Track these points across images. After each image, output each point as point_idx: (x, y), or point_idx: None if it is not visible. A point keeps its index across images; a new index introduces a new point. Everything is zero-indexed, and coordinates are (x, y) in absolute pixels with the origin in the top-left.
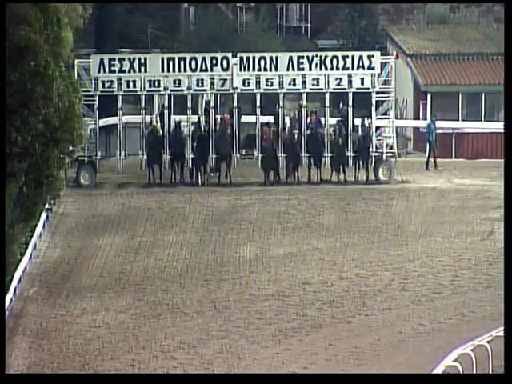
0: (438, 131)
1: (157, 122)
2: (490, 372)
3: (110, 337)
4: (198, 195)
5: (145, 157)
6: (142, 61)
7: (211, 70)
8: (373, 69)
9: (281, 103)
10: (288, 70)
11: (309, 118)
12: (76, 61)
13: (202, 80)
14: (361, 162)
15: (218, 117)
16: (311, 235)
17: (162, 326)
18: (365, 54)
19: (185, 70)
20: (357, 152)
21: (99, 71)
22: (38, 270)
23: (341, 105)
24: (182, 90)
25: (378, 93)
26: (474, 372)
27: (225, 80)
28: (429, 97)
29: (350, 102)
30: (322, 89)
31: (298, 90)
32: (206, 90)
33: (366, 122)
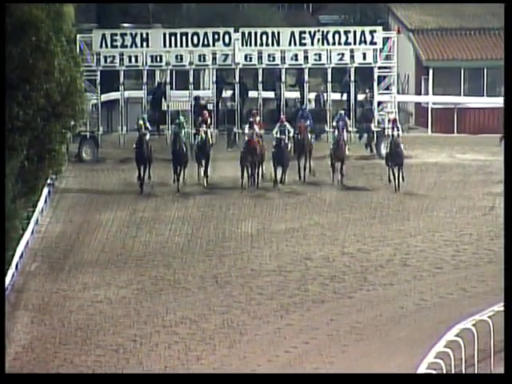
0: (440, 106)
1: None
2: (492, 347)
3: (112, 312)
4: (195, 170)
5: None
6: (144, 36)
7: (213, 45)
8: (375, 44)
9: (283, 78)
10: (290, 45)
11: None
12: (78, 36)
13: (204, 55)
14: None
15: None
16: (313, 210)
17: (163, 301)
18: (367, 29)
19: (187, 45)
20: (358, 127)
21: (101, 46)
22: (40, 245)
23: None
24: (184, 66)
25: (379, 68)
26: (475, 346)
27: (227, 55)
28: (430, 72)
29: (353, 77)
30: (323, 64)
31: (300, 65)
32: (207, 66)
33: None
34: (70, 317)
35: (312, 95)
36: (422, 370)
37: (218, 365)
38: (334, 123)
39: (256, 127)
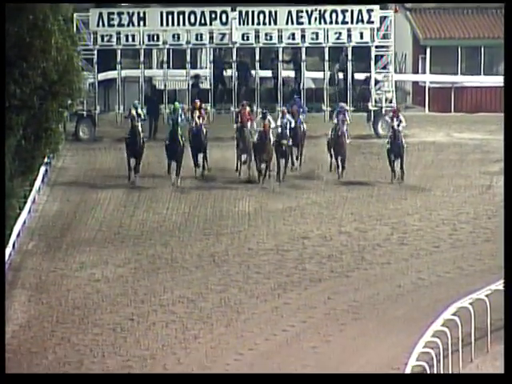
0: (437, 85)
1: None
2: (489, 325)
3: (109, 291)
4: None
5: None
6: (141, 15)
7: (210, 24)
8: (372, 23)
9: (280, 57)
10: (287, 24)
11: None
12: (75, 14)
13: (201, 34)
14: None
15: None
16: (310, 189)
17: (160, 280)
18: (364, 7)
19: (184, 24)
20: (356, 106)
21: (98, 25)
22: (37, 223)
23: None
24: (181, 45)
25: (377, 47)
26: (473, 325)
27: (224, 34)
28: (428, 51)
29: (350, 56)
30: (321, 43)
31: (297, 44)
32: (204, 45)
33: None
34: (68, 295)
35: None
36: (419, 348)
37: (215, 343)
38: (334, 116)
39: (244, 118)
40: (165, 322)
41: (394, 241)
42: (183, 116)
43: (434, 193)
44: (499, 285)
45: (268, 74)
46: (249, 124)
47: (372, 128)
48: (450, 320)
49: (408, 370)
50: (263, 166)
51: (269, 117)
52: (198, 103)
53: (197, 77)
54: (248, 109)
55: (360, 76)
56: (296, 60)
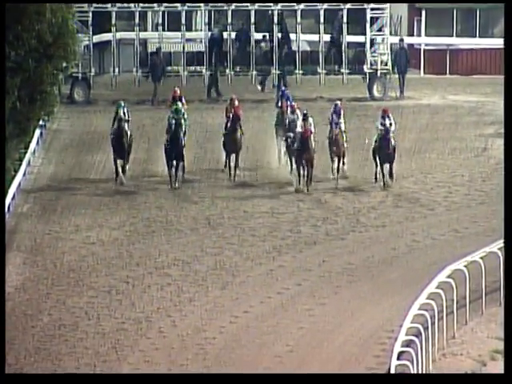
0: (432, 47)
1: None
2: (483, 288)
3: (104, 253)
4: (192, 112)
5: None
6: None
7: None
8: None
9: (275, 20)
10: None
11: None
12: None
13: None
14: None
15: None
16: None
17: (156, 243)
18: None
19: None
20: (351, 69)
21: None
22: (32, 186)
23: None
24: (176, 7)
25: (372, 9)
26: (467, 287)
27: None
28: (423, 13)
29: (345, 19)
30: (316, 5)
31: (293, 6)
32: (199, 7)
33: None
34: (63, 258)
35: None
36: (414, 311)
37: (210, 306)
38: (329, 116)
39: (234, 114)
40: (160, 285)
41: (389, 203)
42: (186, 115)
43: (429, 156)
44: (494, 247)
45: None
46: (238, 119)
47: (367, 90)
48: (444, 282)
49: (403, 333)
50: (305, 172)
51: (310, 119)
52: (178, 92)
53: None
54: (237, 103)
55: (355, 38)
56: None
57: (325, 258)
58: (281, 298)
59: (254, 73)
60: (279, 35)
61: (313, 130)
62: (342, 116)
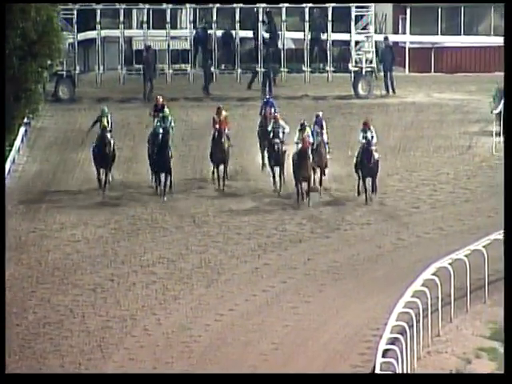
0: (417, 46)
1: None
2: (468, 285)
3: (89, 251)
4: (177, 110)
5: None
6: None
7: None
8: None
9: (260, 18)
10: None
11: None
12: None
13: None
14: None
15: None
16: (290, 151)
17: (141, 241)
18: None
19: None
20: (336, 67)
21: None
22: (17, 184)
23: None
24: (161, 5)
25: (357, 7)
26: (452, 285)
27: None
28: (408, 11)
29: (330, 17)
30: (301, 3)
31: (277, 5)
32: (185, 5)
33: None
34: (47, 256)
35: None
36: (399, 308)
37: (195, 304)
38: (311, 128)
39: (221, 124)
40: (145, 283)
41: (374, 201)
42: (173, 123)
43: (414, 153)
44: (478, 245)
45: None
46: (226, 130)
47: (352, 88)
48: (429, 280)
49: (388, 331)
50: (304, 185)
51: (308, 129)
52: (161, 100)
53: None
54: (224, 113)
55: (340, 36)
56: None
57: (310, 256)
58: (266, 295)
59: (239, 71)
60: (266, 34)
61: (311, 140)
62: (324, 127)
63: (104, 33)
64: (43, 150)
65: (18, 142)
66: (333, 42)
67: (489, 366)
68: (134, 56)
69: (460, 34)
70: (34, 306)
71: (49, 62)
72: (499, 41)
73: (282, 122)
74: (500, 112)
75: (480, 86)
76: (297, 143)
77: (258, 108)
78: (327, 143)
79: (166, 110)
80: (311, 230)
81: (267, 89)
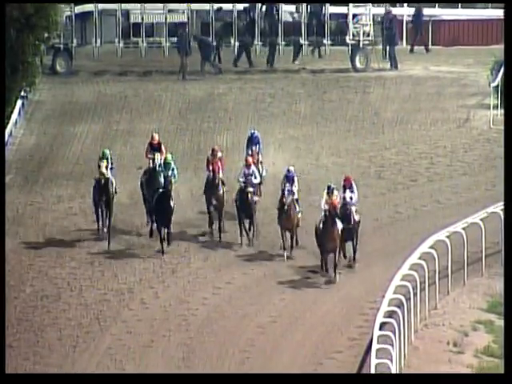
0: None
1: None
2: (465, 258)
3: (87, 224)
4: (174, 84)
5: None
6: None
7: None
8: None
9: None
10: None
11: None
12: None
13: None
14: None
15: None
16: (287, 124)
17: (139, 213)
18: None
19: None
20: (333, 40)
21: None
22: (14, 156)
23: None
24: None
25: None
26: (449, 258)
27: None
28: None
29: None
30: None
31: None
32: None
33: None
34: (45, 229)
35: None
36: (396, 281)
37: (192, 277)
38: (282, 184)
39: (216, 167)
40: (143, 257)
41: (372, 175)
42: (175, 171)
43: (412, 126)
44: (476, 218)
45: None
46: (220, 173)
47: (350, 62)
48: (426, 253)
49: (385, 304)
50: (330, 256)
51: (336, 192)
52: (157, 138)
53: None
54: (219, 154)
55: (338, 9)
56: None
57: (308, 229)
58: (263, 269)
59: (237, 44)
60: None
61: (338, 200)
62: (296, 182)
63: (101, 6)
64: (40, 123)
65: (15, 115)
66: (330, 15)
67: (485, 338)
68: (132, 29)
69: (457, 7)
70: (32, 278)
71: (46, 35)
72: (497, 13)
73: (260, 166)
74: (498, 85)
75: (478, 58)
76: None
77: (256, 82)
78: (297, 200)
79: (169, 156)
80: (309, 202)
81: (268, 62)
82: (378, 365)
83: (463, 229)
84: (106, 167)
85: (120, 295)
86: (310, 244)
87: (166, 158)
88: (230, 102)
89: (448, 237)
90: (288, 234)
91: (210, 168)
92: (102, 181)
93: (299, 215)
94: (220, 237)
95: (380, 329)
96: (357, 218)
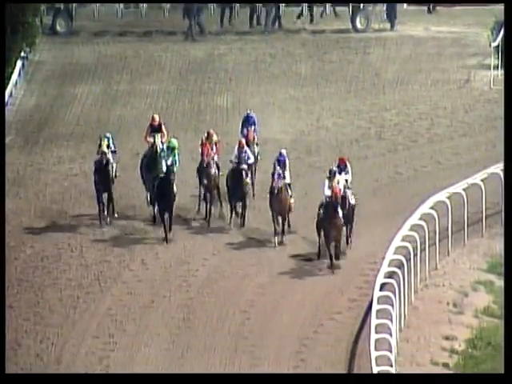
0: None
1: None
2: (466, 219)
3: (87, 185)
4: (174, 44)
5: None
6: None
7: None
8: None
9: None
10: None
11: None
12: None
13: None
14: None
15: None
16: (288, 84)
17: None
18: None
19: None
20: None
21: None
22: (14, 117)
23: None
24: None
25: None
26: (450, 219)
27: None
28: None
29: None
30: None
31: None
32: None
33: None
34: (45, 190)
35: None
36: (397, 242)
37: (192, 239)
38: (273, 167)
39: (211, 151)
40: (143, 217)
41: (372, 135)
42: (178, 157)
43: (412, 87)
44: (476, 178)
45: None
46: (215, 157)
47: (350, 22)
48: (427, 214)
49: (385, 264)
50: (332, 246)
51: (338, 176)
52: (157, 119)
53: None
54: (215, 137)
55: None
56: None
57: (308, 190)
58: (264, 230)
59: (238, 5)
60: None
61: (341, 187)
62: (287, 166)
63: None
64: (40, 84)
65: (15, 76)
66: None
67: (485, 298)
68: None
69: None
70: (32, 239)
71: None
72: None
73: (249, 151)
74: (498, 45)
75: (478, 19)
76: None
77: (256, 42)
78: (289, 185)
79: (174, 140)
80: (309, 163)
81: (269, 23)
82: (378, 325)
83: (463, 189)
84: (107, 146)
85: (120, 256)
86: (311, 208)
87: (169, 142)
88: (231, 62)
89: (448, 197)
90: (280, 219)
91: (205, 152)
92: (104, 160)
93: (292, 200)
94: (209, 221)
95: (380, 289)
96: (352, 201)
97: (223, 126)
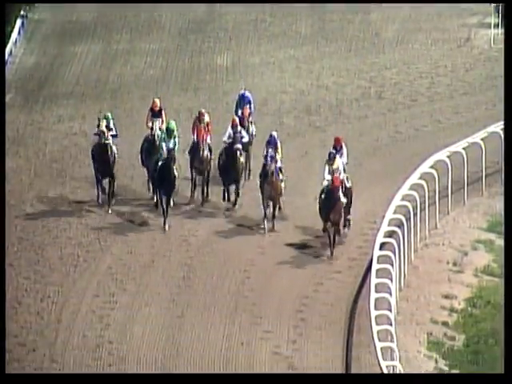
0: None
1: None
2: (465, 178)
3: (87, 144)
4: (174, 3)
5: None
6: None
7: None
8: None
9: None
10: None
11: None
12: None
13: None
14: None
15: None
16: (288, 44)
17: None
18: None
19: None
20: None
21: None
22: (14, 76)
23: None
24: None
25: None
26: (450, 178)
27: None
28: None
29: None
30: None
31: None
32: None
33: None
34: (45, 148)
35: None
36: (397, 201)
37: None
38: (264, 150)
39: (201, 131)
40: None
41: (372, 95)
42: (177, 139)
43: (412, 46)
44: (476, 137)
45: None
46: (208, 138)
47: None
48: (427, 173)
49: (385, 224)
50: (332, 230)
51: (338, 159)
52: (158, 103)
53: None
54: (207, 118)
55: None
56: None
57: (308, 148)
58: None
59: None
60: None
61: (343, 174)
62: (279, 149)
63: None
64: (40, 43)
65: (14, 34)
66: None
67: (485, 257)
68: None
69: None
70: (32, 198)
71: None
72: None
73: (243, 130)
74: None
75: None
76: (327, 180)
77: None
78: (280, 169)
79: (173, 123)
80: (309, 123)
81: None
82: (378, 284)
83: (463, 148)
84: (107, 127)
85: (121, 215)
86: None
87: (168, 124)
88: (230, 21)
89: (448, 156)
90: (271, 203)
91: (196, 133)
92: (102, 140)
93: (283, 184)
94: (203, 204)
95: (380, 249)
96: (348, 184)
97: (223, 86)
